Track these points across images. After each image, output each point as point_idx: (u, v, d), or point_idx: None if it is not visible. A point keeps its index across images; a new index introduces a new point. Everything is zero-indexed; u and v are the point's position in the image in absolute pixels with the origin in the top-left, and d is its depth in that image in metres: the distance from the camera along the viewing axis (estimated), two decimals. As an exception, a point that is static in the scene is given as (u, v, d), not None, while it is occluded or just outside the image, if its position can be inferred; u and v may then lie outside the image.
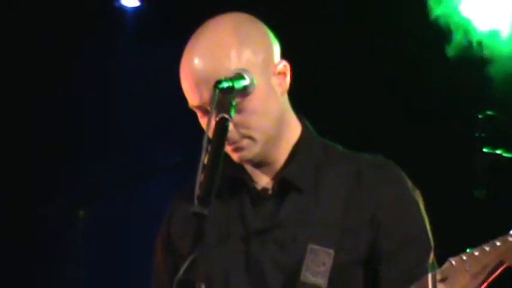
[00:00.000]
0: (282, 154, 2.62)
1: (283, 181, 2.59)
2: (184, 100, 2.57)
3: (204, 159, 2.28)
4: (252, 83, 2.45)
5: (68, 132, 6.20)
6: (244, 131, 2.53)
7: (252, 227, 2.58)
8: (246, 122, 2.54)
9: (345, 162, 2.64)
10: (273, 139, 2.59)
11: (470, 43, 4.63)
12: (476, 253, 2.31)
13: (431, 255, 2.55)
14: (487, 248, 2.30)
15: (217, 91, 2.36)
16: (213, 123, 2.40)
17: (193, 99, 2.54)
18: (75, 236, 5.74)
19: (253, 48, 2.56)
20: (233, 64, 2.50)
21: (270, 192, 2.62)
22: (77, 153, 6.18)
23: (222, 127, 2.34)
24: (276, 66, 2.57)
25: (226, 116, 2.35)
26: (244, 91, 2.42)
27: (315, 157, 2.63)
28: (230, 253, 2.58)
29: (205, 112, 2.50)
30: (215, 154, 2.30)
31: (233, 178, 2.45)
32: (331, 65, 3.22)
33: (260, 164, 2.61)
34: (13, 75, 5.96)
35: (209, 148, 2.32)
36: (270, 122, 2.58)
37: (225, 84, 2.37)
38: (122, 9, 6.41)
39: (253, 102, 2.53)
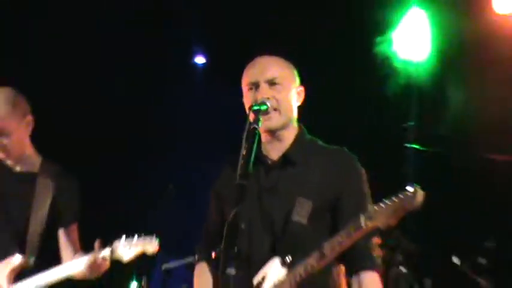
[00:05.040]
0: (287, 139, 3.22)
1: (285, 157, 3.19)
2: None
3: (243, 151, 2.85)
4: (267, 108, 3.09)
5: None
6: (276, 104, 3.11)
7: (264, 186, 3.16)
8: (279, 99, 3.12)
9: (323, 150, 3.25)
10: (287, 122, 3.19)
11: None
12: (389, 203, 2.79)
13: (367, 203, 3.11)
14: (395, 200, 2.78)
15: (250, 111, 3.02)
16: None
17: (251, 77, 3.18)
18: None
19: (290, 70, 3.25)
20: (280, 70, 3.21)
21: (275, 164, 3.21)
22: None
23: (253, 133, 2.93)
24: (297, 87, 3.26)
25: (256, 126, 2.96)
26: (266, 111, 3.09)
27: (306, 145, 3.24)
28: (252, 202, 3.08)
29: (251, 88, 3.17)
30: (249, 148, 2.85)
31: (256, 155, 2.88)
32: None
33: (275, 139, 3.20)
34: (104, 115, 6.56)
35: (245, 145, 2.87)
36: (290, 109, 3.18)
37: (256, 107, 3.05)
38: (194, 65, 7.33)
39: (284, 93, 3.16)
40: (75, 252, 4.03)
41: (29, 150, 4.11)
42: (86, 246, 4.04)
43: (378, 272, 3.15)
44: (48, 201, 4.02)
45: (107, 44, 6.48)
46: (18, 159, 4.05)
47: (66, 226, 4.07)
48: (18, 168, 4.07)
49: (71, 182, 4.11)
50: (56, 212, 4.03)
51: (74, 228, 4.10)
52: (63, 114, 6.22)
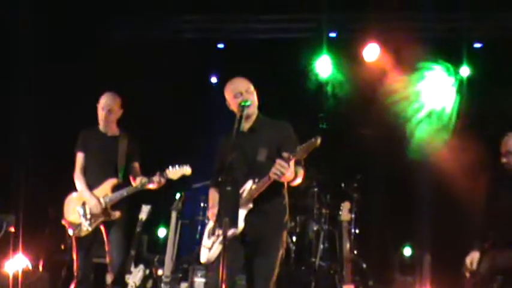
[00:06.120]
0: (252, 119, 3.19)
1: (252, 128, 3.19)
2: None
3: (236, 126, 2.96)
4: (250, 103, 3.10)
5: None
6: (250, 102, 3.10)
7: (243, 143, 3.09)
8: (252, 99, 3.12)
9: (273, 123, 3.22)
10: (255, 110, 3.19)
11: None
12: (303, 145, 2.88)
13: (295, 147, 3.01)
14: (306, 143, 2.87)
15: (240, 107, 3.05)
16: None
17: (236, 90, 3.12)
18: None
19: (251, 84, 3.18)
20: (250, 87, 3.16)
21: (247, 131, 3.18)
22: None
23: (240, 118, 3.02)
24: (255, 91, 3.20)
25: (242, 114, 3.04)
26: (248, 106, 3.10)
27: (262, 121, 3.22)
28: (238, 151, 2.97)
29: (236, 96, 3.11)
30: (238, 125, 2.98)
31: (239, 128, 2.99)
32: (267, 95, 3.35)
33: (248, 120, 3.16)
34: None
35: (236, 124, 2.97)
36: (255, 103, 3.17)
37: (243, 103, 3.07)
38: (211, 84, 6.46)
39: (253, 96, 3.16)
40: (140, 176, 4.07)
41: (115, 125, 4.15)
42: (148, 173, 4.05)
43: (302, 176, 3.17)
44: (125, 149, 4.05)
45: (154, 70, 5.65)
46: (110, 129, 4.11)
47: (133, 162, 4.10)
48: (109, 134, 4.12)
49: (135, 140, 4.14)
50: (129, 154, 4.07)
51: (137, 164, 4.14)
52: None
